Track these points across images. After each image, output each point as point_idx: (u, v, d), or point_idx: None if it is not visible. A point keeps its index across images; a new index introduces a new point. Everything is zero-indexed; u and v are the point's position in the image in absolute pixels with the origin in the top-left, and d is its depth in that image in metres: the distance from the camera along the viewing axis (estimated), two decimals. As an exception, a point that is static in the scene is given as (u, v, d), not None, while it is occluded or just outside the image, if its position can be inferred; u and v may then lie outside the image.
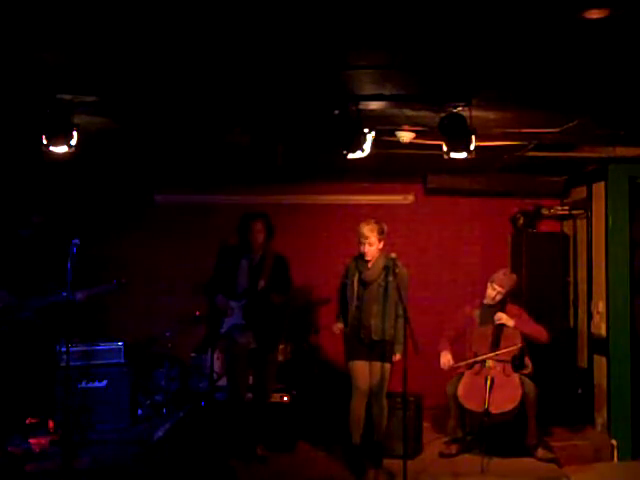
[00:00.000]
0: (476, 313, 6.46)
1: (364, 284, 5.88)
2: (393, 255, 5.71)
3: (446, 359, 6.29)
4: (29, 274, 6.56)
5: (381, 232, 5.85)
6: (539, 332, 6.29)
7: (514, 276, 6.60)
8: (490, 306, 6.40)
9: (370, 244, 5.82)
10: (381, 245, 5.88)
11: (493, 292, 6.38)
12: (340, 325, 5.94)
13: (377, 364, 5.81)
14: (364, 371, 5.81)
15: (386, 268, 5.82)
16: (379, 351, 5.79)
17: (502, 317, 6.30)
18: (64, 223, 7.12)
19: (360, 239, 5.84)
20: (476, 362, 6.23)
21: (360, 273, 5.88)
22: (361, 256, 5.89)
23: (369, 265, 5.87)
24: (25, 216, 6.84)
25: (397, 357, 5.79)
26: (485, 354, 6.20)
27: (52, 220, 7.10)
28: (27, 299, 6.33)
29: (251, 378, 6.21)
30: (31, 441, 6.16)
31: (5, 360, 6.39)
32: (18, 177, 7.18)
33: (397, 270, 5.65)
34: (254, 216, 6.10)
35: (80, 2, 3.29)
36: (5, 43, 3.81)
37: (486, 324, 6.36)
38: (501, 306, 6.38)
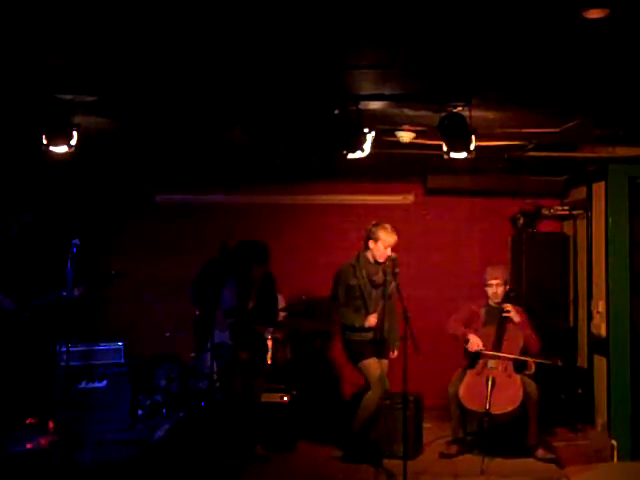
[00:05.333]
0: (482, 312, 6.45)
1: (375, 286, 5.97)
2: (393, 255, 5.71)
3: (477, 341, 6.21)
4: (24, 274, 6.55)
5: None
6: (534, 341, 6.27)
7: (501, 265, 6.67)
8: (495, 307, 6.39)
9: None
10: None
11: (492, 289, 6.38)
12: (372, 318, 5.87)
13: (384, 362, 6.01)
14: (379, 367, 5.94)
15: (383, 269, 5.96)
16: (383, 349, 5.97)
17: (511, 309, 6.30)
18: (64, 223, 7.12)
19: (388, 247, 5.87)
20: (498, 357, 6.18)
21: (370, 275, 5.97)
22: (362, 259, 5.97)
23: (379, 267, 5.98)
24: (15, 215, 6.81)
25: (395, 354, 6.03)
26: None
27: (44, 219, 7.07)
28: (25, 301, 6.33)
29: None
30: (31, 441, 6.16)
31: (5, 360, 6.39)
32: (18, 177, 7.18)
33: (397, 270, 5.65)
34: (251, 259, 6.08)
35: (80, 3, 3.29)
36: (6, 44, 3.81)
37: (490, 324, 6.35)
38: (506, 301, 6.39)
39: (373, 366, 5.92)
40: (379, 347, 5.95)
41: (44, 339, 6.62)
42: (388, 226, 5.94)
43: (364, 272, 5.95)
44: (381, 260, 5.94)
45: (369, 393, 5.94)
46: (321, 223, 7.98)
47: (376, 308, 5.96)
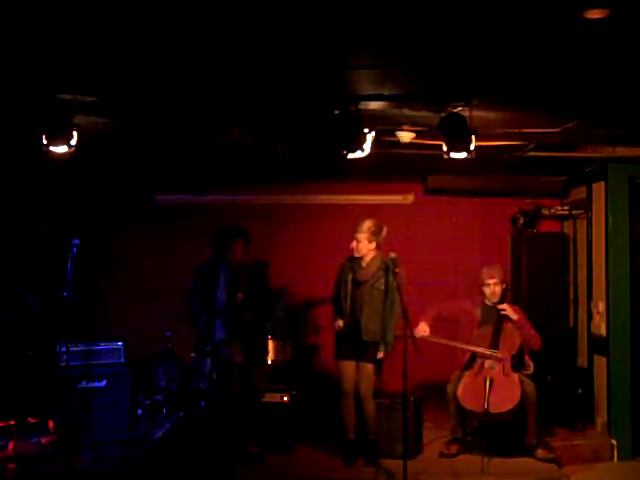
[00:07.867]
0: (478, 312, 6.45)
1: (357, 284, 5.94)
2: (393, 255, 5.70)
3: (422, 327, 6.20)
4: (40, 275, 6.59)
5: (374, 233, 5.88)
6: (534, 337, 6.26)
7: (496, 264, 6.62)
8: (491, 307, 6.39)
9: (358, 241, 5.88)
10: (372, 246, 5.90)
11: (490, 288, 6.36)
12: (340, 322, 5.92)
13: (365, 365, 5.89)
14: (351, 371, 5.91)
15: (385, 269, 5.86)
16: (368, 352, 5.86)
17: (507, 308, 6.30)
18: (64, 223, 7.13)
19: (354, 234, 5.90)
20: (456, 347, 6.25)
21: (354, 273, 5.94)
22: (352, 258, 5.95)
23: (363, 265, 5.94)
24: (33, 226, 6.85)
25: (380, 355, 5.85)
26: (482, 353, 6.19)
27: (57, 224, 7.11)
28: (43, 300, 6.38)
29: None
30: (31, 441, 6.16)
31: (6, 360, 6.40)
32: (18, 177, 7.18)
33: (397, 270, 5.65)
34: (232, 235, 6.02)
35: (80, 3, 3.29)
36: (6, 43, 3.81)
37: (486, 324, 6.35)
38: (503, 301, 6.39)
39: (344, 370, 5.93)
40: (362, 349, 5.85)
41: (44, 339, 6.63)
42: (370, 219, 5.96)
43: (350, 271, 5.95)
44: (357, 255, 5.91)
45: (341, 398, 6.01)
46: (321, 223, 7.99)
47: (360, 308, 5.86)
